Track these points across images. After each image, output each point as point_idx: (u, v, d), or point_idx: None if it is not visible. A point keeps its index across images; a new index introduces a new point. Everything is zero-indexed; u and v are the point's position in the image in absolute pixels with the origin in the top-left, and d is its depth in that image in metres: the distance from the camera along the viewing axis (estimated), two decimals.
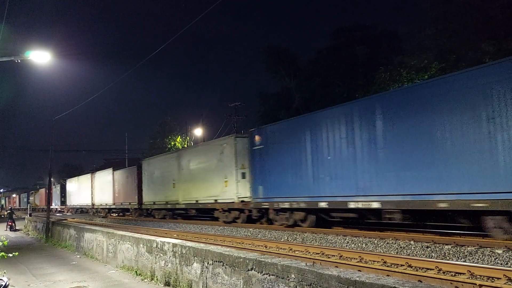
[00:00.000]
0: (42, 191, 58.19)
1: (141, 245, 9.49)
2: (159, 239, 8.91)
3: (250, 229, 15.31)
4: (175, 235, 15.17)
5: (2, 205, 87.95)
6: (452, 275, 6.97)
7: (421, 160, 9.79)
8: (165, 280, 8.13)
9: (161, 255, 8.50)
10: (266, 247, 11.33)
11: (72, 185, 45.20)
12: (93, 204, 36.92)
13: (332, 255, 9.41)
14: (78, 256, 13.66)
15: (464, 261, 7.98)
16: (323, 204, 12.57)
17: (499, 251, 8.05)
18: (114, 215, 33.55)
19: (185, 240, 10.55)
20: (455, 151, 9.16)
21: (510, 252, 7.90)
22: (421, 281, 5.84)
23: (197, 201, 20.23)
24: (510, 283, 6.18)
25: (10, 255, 7.02)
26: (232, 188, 17.28)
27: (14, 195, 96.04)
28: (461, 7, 19.47)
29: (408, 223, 11.38)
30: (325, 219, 13.67)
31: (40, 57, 12.15)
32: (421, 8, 21.95)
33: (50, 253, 15.08)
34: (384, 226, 12.43)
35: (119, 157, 53.94)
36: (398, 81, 21.26)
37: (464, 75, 9.41)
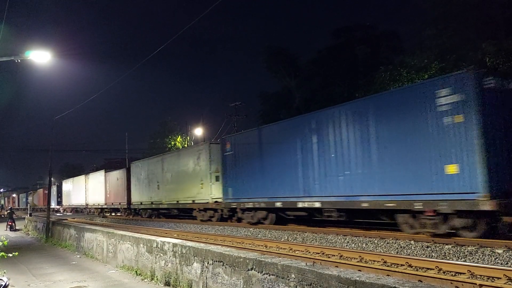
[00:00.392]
0: (40, 191, 60.29)
1: (141, 245, 9.48)
2: (159, 239, 8.90)
3: (251, 229, 15.33)
4: (175, 235, 15.18)
5: (2, 205, 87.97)
6: (452, 275, 6.96)
7: (354, 166, 11.73)
8: (165, 280, 8.13)
9: (161, 255, 8.49)
10: (266, 246, 11.33)
11: (68, 185, 46.96)
12: (87, 204, 38.70)
13: (332, 255, 9.40)
14: (78, 256, 13.66)
15: (464, 261, 7.97)
16: (278, 204, 14.69)
17: (499, 251, 8.04)
18: (108, 214, 34.40)
19: (185, 240, 10.54)
20: (377, 162, 11.27)
21: (510, 251, 7.89)
22: (421, 281, 5.84)
23: (177, 201, 22.10)
24: (510, 283, 6.17)
25: (10, 255, 7.02)
26: (207, 190, 19.21)
27: (14, 195, 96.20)
28: (462, 7, 19.45)
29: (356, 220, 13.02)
30: (283, 217, 15.59)
31: (40, 57, 12.15)
32: (421, 8, 21.95)
33: (50, 253, 15.08)
34: (383, 226, 12.44)
35: (120, 157, 53.98)
36: (398, 80, 21.25)
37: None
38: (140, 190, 27.22)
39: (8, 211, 30.49)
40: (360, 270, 6.64)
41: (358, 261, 8.51)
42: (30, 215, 35.72)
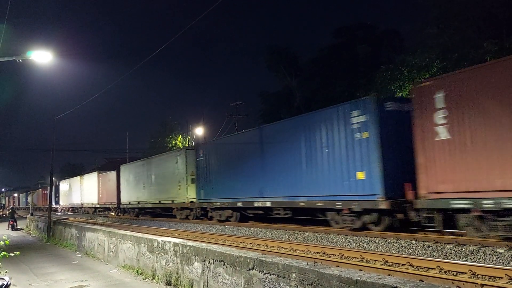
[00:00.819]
0: (39, 191, 63.24)
1: (142, 244, 9.49)
2: (160, 239, 8.90)
3: (251, 228, 15.35)
4: (176, 235, 15.20)
5: (4, 204, 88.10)
6: (453, 274, 6.95)
7: (292, 173, 14.16)
8: (166, 280, 8.13)
9: (162, 254, 8.50)
10: (267, 246, 11.32)
11: (65, 186, 49.07)
12: (82, 204, 41.05)
13: (333, 255, 9.40)
14: (79, 255, 13.67)
15: (466, 261, 7.97)
16: (239, 204, 16.99)
17: (501, 250, 8.03)
18: (108, 213, 35.26)
19: (186, 239, 10.54)
20: (306, 168, 13.67)
21: (511, 251, 7.88)
22: (422, 281, 5.82)
23: (160, 201, 24.30)
24: None
25: (12, 254, 7.03)
26: (184, 191, 21.39)
27: (15, 195, 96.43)
28: (463, 6, 19.38)
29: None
30: (245, 215, 17.68)
31: (42, 57, 12.16)
32: (423, 6, 21.86)
33: (51, 253, 15.10)
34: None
35: (120, 157, 54.00)
36: (399, 80, 21.20)
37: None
38: (128, 191, 29.15)
39: (10, 211, 30.53)
40: (361, 270, 6.64)
41: (359, 261, 8.51)
42: (32, 214, 35.80)
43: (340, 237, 11.58)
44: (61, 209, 50.36)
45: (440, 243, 9.19)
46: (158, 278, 8.53)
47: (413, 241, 9.69)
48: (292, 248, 10.69)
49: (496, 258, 7.86)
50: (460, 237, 9.73)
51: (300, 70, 34.69)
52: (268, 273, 5.45)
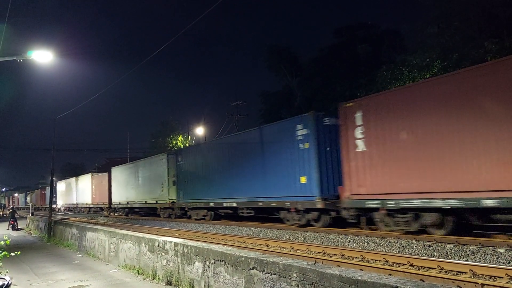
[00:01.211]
0: (38, 191, 65.63)
1: (143, 244, 9.49)
2: (160, 238, 8.90)
3: (252, 228, 15.36)
4: (176, 234, 15.21)
5: (4, 204, 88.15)
6: (454, 274, 6.95)
7: (252, 177, 16.15)
8: (167, 279, 8.13)
9: (163, 254, 8.50)
10: (267, 246, 11.33)
11: (62, 186, 50.92)
12: (77, 204, 43.27)
13: (334, 254, 9.40)
14: (80, 255, 13.68)
15: (466, 260, 7.96)
16: (212, 204, 19.10)
17: (501, 250, 8.03)
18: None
19: (187, 239, 10.55)
20: (266, 173, 15.55)
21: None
22: (423, 280, 5.83)
23: (146, 201, 26.27)
24: None
25: (13, 254, 7.03)
26: (166, 192, 23.41)
27: (16, 194, 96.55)
28: (463, 5, 19.36)
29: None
30: (218, 214, 19.84)
31: (43, 57, 12.15)
32: (423, 6, 21.84)
33: (52, 252, 15.11)
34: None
35: (121, 156, 54.04)
36: (400, 79, 21.18)
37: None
38: (119, 191, 31.00)
39: (10, 211, 30.56)
40: (362, 270, 6.64)
41: (359, 260, 8.51)
42: (32, 214, 35.85)
43: (340, 237, 11.58)
44: (58, 209, 51.43)
45: (441, 243, 9.18)
46: (158, 278, 8.53)
47: (414, 241, 9.69)
48: (292, 248, 10.70)
49: (497, 258, 7.86)
50: (461, 237, 9.73)
51: (300, 69, 34.66)
52: (268, 273, 5.45)
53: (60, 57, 14.76)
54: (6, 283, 4.41)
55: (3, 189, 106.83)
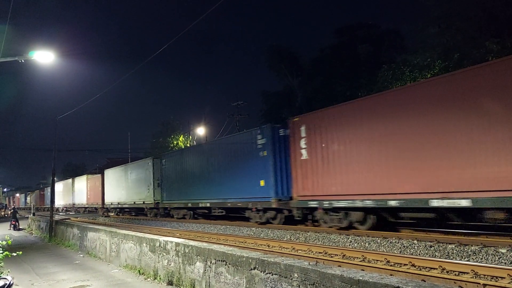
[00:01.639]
0: (37, 192, 68.76)
1: (144, 244, 9.50)
2: (162, 238, 8.90)
3: (253, 228, 15.37)
4: (177, 234, 15.21)
5: (5, 204, 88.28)
6: (456, 274, 6.94)
7: (223, 180, 18.25)
8: (168, 279, 8.14)
9: (164, 254, 8.50)
10: (268, 246, 11.32)
11: (59, 187, 52.35)
12: (73, 204, 45.60)
13: (335, 255, 9.39)
14: (81, 255, 13.69)
15: (468, 261, 7.95)
16: (190, 204, 21.38)
17: (503, 250, 8.02)
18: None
19: (188, 239, 10.55)
20: (234, 177, 17.54)
21: None
22: (424, 281, 5.82)
23: (134, 202, 28.25)
24: None
25: (14, 254, 7.03)
26: (152, 194, 25.39)
27: (17, 195, 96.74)
28: (465, 5, 19.33)
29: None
30: (197, 213, 21.78)
31: (44, 57, 12.17)
32: (424, 6, 21.81)
33: (53, 252, 15.13)
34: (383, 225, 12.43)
35: (122, 157, 54.08)
36: (401, 79, 21.15)
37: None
38: (111, 192, 32.88)
39: (12, 211, 30.60)
40: (363, 270, 6.64)
41: (361, 261, 8.50)
42: (34, 214, 35.90)
43: (342, 237, 11.58)
44: (57, 209, 52.32)
45: (442, 243, 9.17)
46: (160, 278, 8.53)
47: (415, 241, 9.67)
48: (294, 248, 10.69)
49: (498, 258, 7.85)
50: (462, 237, 9.72)
51: (301, 69, 34.64)
52: (270, 273, 5.45)
53: (61, 57, 14.79)
54: (7, 283, 4.41)
55: (5, 190, 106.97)
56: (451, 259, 8.06)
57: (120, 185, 30.83)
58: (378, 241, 10.37)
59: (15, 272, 9.98)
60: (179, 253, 7.90)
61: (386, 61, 24.95)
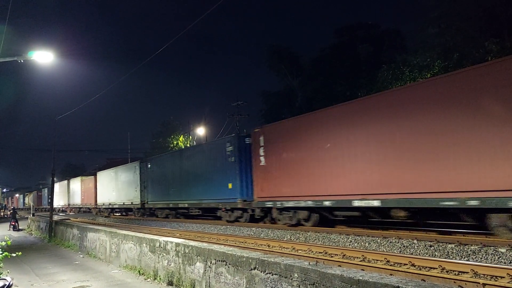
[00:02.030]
0: (35, 193, 70.30)
1: (144, 244, 9.49)
2: (162, 239, 8.90)
3: (253, 228, 15.36)
4: (177, 235, 15.20)
5: (5, 205, 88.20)
6: (455, 274, 6.93)
7: (199, 183, 19.84)
8: (168, 280, 8.14)
9: (164, 254, 8.50)
10: (269, 246, 11.31)
11: (56, 188, 51.93)
12: (69, 204, 47.20)
13: (335, 254, 9.38)
14: (81, 255, 13.69)
15: (468, 260, 7.94)
16: (171, 205, 22.94)
17: (503, 250, 8.01)
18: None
19: (188, 239, 10.54)
20: (207, 180, 19.24)
21: None
22: (424, 280, 5.82)
23: (124, 203, 29.78)
24: None
25: (14, 254, 7.02)
26: (138, 195, 26.84)
27: (17, 195, 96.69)
28: (465, 5, 19.34)
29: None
30: (179, 213, 23.15)
31: (43, 57, 12.17)
32: (424, 6, 21.83)
33: (53, 253, 15.12)
34: (385, 225, 12.43)
35: (122, 157, 54.11)
36: (401, 79, 21.16)
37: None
38: (103, 193, 34.37)
39: (11, 211, 30.59)
40: (363, 270, 6.63)
41: (361, 261, 8.49)
42: (33, 215, 35.91)
43: (342, 237, 11.57)
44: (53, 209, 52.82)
45: (442, 242, 9.17)
46: (160, 278, 8.53)
47: (415, 241, 9.67)
48: (294, 248, 10.68)
49: (498, 258, 7.84)
50: (462, 237, 9.71)
51: (301, 69, 34.65)
52: (270, 273, 5.45)
53: (61, 57, 14.80)
54: (7, 283, 4.41)
55: (4, 190, 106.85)
56: (451, 259, 8.06)
57: (111, 187, 32.35)
58: (378, 241, 10.37)
59: (15, 272, 9.97)
60: (179, 253, 7.90)
61: (386, 61, 24.95)
